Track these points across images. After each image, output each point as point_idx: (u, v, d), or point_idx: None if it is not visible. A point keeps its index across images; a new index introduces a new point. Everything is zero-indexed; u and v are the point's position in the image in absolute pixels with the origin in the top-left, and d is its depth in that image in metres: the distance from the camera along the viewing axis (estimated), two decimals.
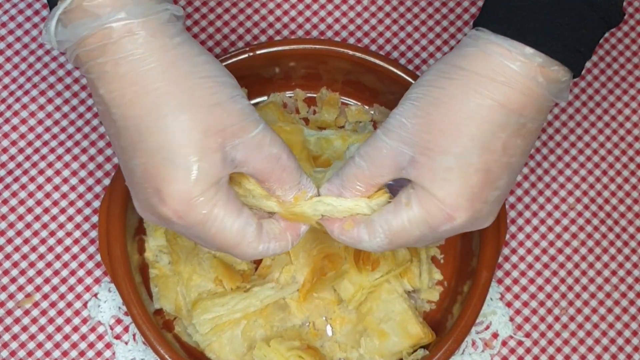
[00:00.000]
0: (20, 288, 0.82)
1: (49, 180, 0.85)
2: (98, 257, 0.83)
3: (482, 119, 0.61)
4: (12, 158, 0.85)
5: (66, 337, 0.81)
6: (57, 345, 0.81)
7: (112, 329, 0.82)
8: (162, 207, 0.61)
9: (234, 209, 0.62)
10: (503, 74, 0.60)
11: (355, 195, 0.65)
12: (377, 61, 0.81)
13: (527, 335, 0.84)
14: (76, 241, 0.83)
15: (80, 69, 0.62)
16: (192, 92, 0.60)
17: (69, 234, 0.84)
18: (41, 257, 0.83)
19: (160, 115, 0.59)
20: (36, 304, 0.82)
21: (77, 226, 0.84)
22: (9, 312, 0.81)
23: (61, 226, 0.84)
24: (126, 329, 0.82)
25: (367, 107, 0.86)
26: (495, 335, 0.83)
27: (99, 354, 0.81)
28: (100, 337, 0.81)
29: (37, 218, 0.84)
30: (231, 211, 0.62)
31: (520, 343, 0.83)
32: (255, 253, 0.64)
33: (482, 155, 0.61)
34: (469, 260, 0.80)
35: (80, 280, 0.83)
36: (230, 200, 0.62)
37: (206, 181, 0.60)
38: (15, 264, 0.83)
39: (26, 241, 0.83)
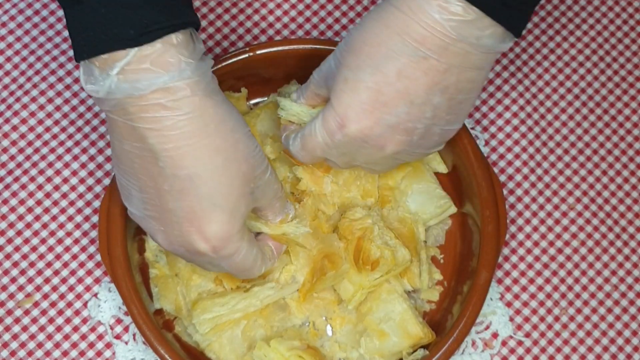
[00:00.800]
0: (21, 288, 0.82)
1: (49, 180, 0.85)
2: (98, 257, 0.83)
3: (379, 41, 0.66)
4: (12, 158, 0.85)
5: (66, 337, 0.81)
6: (57, 345, 0.81)
7: (112, 328, 0.82)
8: (202, 244, 0.67)
9: (251, 239, 0.71)
10: (407, 6, 0.65)
11: (308, 102, 0.75)
12: None
13: (527, 335, 0.84)
14: (76, 241, 0.84)
15: (118, 112, 0.64)
16: (236, 147, 0.67)
17: (69, 234, 0.84)
18: (41, 257, 0.83)
19: (214, 167, 0.66)
20: (36, 304, 0.82)
21: (77, 226, 0.84)
22: (9, 312, 0.82)
23: (61, 226, 0.84)
24: (126, 329, 0.82)
25: None
26: (495, 335, 0.83)
27: (99, 353, 0.81)
28: (100, 337, 0.81)
29: (37, 218, 0.84)
30: (250, 242, 0.70)
31: (520, 343, 0.83)
32: (259, 273, 0.74)
33: (374, 75, 0.67)
34: (468, 260, 0.80)
35: (80, 280, 0.83)
36: (248, 233, 0.70)
37: (240, 221, 0.68)
38: (15, 264, 0.83)
39: (26, 241, 0.83)
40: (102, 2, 0.61)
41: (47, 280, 0.82)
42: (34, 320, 0.81)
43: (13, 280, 0.82)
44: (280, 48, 0.81)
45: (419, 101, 0.67)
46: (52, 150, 0.85)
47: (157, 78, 0.62)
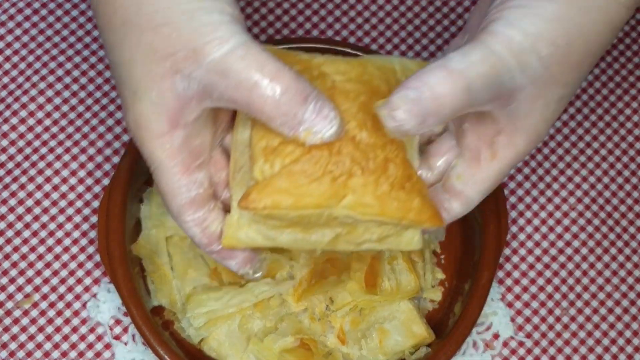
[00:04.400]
0: (20, 288, 0.82)
1: (48, 180, 0.84)
2: (97, 258, 0.83)
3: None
4: (11, 158, 0.85)
5: (65, 338, 0.81)
6: (56, 346, 0.81)
7: (111, 329, 0.81)
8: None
9: (184, 162, 0.56)
10: None
11: None
12: None
13: (528, 335, 0.84)
14: (75, 241, 0.83)
15: None
16: (139, 10, 0.51)
17: (68, 234, 0.83)
18: (40, 257, 0.83)
19: (122, 36, 0.53)
20: (35, 305, 0.82)
21: (77, 226, 0.84)
22: (8, 313, 0.81)
23: (60, 226, 0.83)
24: (125, 330, 0.81)
25: None
26: (496, 336, 0.83)
27: (98, 354, 0.81)
28: (99, 338, 0.81)
29: (36, 218, 0.83)
30: (177, 162, 0.56)
31: (521, 344, 0.83)
32: (183, 225, 0.59)
33: None
34: (469, 260, 0.80)
35: (79, 281, 0.82)
36: (183, 149, 0.55)
37: (156, 111, 0.53)
38: (14, 264, 0.82)
39: (25, 241, 0.83)
40: None
41: (46, 281, 0.82)
42: (33, 321, 0.81)
43: (12, 280, 0.82)
44: (280, 47, 0.81)
45: None
46: (51, 150, 0.85)
47: None
